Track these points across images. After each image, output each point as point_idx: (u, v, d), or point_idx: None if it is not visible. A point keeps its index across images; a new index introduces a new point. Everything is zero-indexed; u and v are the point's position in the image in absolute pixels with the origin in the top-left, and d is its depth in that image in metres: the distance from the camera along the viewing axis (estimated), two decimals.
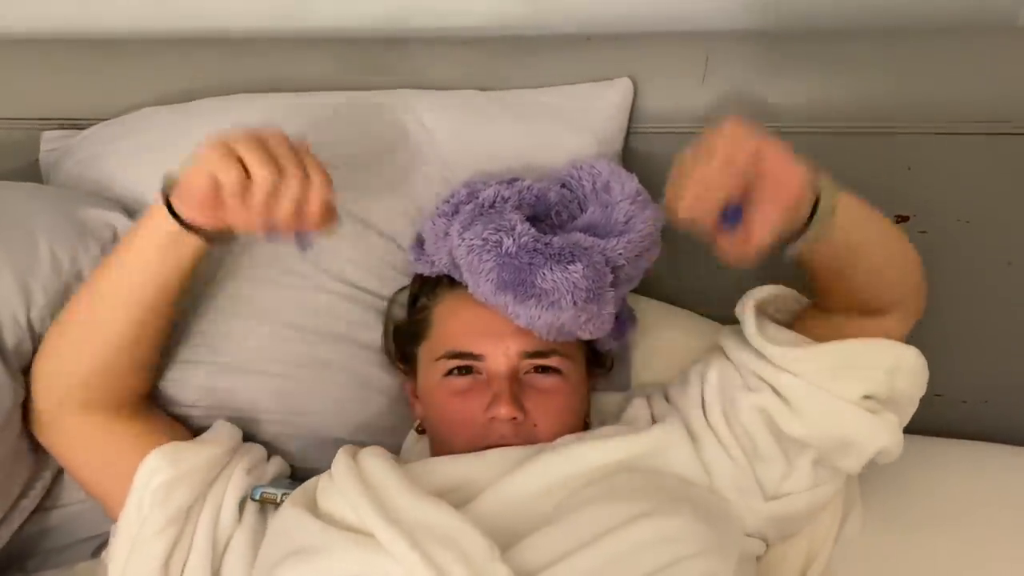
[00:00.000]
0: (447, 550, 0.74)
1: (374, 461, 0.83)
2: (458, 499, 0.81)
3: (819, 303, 0.93)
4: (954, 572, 0.98)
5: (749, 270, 0.95)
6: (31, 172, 1.17)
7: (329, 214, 0.81)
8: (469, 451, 0.86)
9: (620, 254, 0.87)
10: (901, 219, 1.07)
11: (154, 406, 0.98)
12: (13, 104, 1.20)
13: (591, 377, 0.96)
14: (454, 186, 0.97)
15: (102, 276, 0.90)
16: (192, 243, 0.85)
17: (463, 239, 0.86)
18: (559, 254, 0.84)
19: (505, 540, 0.76)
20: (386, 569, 0.75)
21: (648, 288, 1.04)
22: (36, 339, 0.94)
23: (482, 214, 0.87)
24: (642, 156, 1.08)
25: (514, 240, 0.84)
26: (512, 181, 0.92)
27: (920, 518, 1.03)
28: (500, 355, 0.87)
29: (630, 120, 1.07)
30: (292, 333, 1.01)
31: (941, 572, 0.98)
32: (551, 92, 1.06)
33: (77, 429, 0.91)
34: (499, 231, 0.84)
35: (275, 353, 1.00)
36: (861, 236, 0.84)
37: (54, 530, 1.01)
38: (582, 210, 0.92)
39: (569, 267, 0.83)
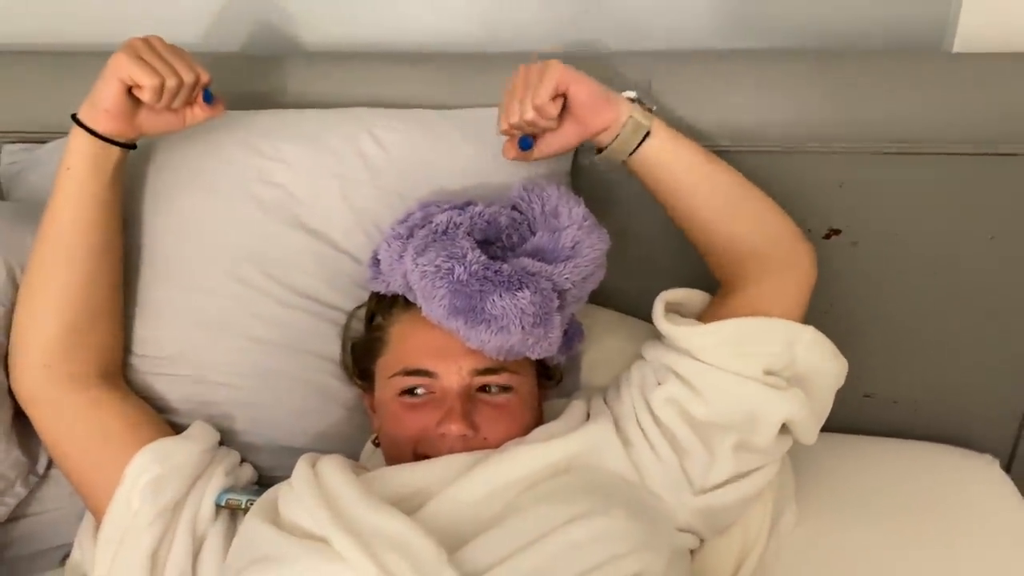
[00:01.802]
0: (398, 555, 0.78)
1: (332, 471, 0.88)
2: (410, 506, 0.85)
3: (713, 272, 1.00)
4: (884, 564, 1.04)
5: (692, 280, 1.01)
6: None
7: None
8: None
9: (567, 279, 0.92)
10: (834, 232, 1.13)
11: (137, 397, 1.03)
12: None
13: (541, 388, 1.00)
14: (409, 205, 1.00)
15: (45, 223, 0.97)
16: (114, 155, 0.96)
17: (417, 264, 0.90)
18: (508, 281, 0.88)
19: (453, 543, 0.80)
20: (341, 575, 0.79)
21: (596, 296, 1.08)
22: None
23: (436, 240, 0.91)
24: (591, 172, 1.12)
25: (465, 268, 0.88)
26: (465, 206, 0.95)
27: (852, 513, 1.09)
28: (452, 373, 0.92)
29: None
30: (254, 346, 1.04)
31: (872, 565, 1.04)
32: None
33: (71, 406, 0.96)
34: (451, 258, 0.88)
35: (238, 366, 1.04)
36: (685, 167, 0.96)
37: (22, 539, 1.04)
38: (532, 232, 0.96)
39: (517, 294, 0.87)
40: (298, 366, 1.05)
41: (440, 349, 0.92)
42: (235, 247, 1.05)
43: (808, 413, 0.94)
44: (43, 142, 1.17)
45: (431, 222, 0.93)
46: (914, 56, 1.11)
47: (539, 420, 0.98)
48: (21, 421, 1.00)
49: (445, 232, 0.92)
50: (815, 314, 0.97)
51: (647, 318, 1.13)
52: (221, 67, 1.01)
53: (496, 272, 0.88)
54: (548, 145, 0.97)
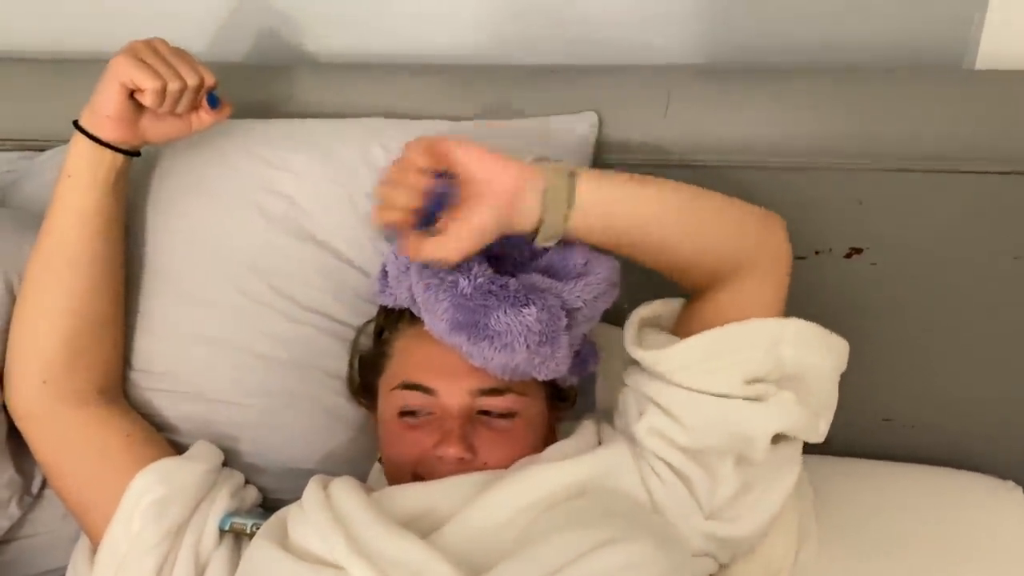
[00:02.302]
0: None
1: (344, 492, 0.85)
2: (423, 528, 0.82)
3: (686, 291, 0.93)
4: None
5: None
6: None
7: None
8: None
9: (578, 296, 0.88)
10: (855, 251, 1.10)
11: (137, 414, 1.00)
12: None
13: (554, 410, 0.97)
14: None
15: (44, 232, 0.95)
16: (116, 163, 0.94)
17: (421, 276, 0.87)
18: (514, 297, 0.84)
19: (472, 571, 0.77)
20: None
21: (611, 314, 1.05)
22: None
23: None
24: None
25: (470, 281, 0.85)
26: None
27: (871, 539, 1.07)
28: (454, 392, 0.88)
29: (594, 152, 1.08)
30: (258, 362, 1.02)
31: None
32: (517, 124, 1.07)
33: (69, 423, 0.93)
34: (456, 271, 0.85)
35: (241, 383, 1.02)
36: (628, 211, 0.86)
37: (12, 563, 1.01)
38: (544, 248, 0.93)
39: (523, 310, 0.84)
40: (305, 384, 1.02)
41: (442, 366, 0.89)
42: (239, 258, 1.03)
43: (799, 416, 0.87)
44: (41, 150, 1.16)
45: None
46: (936, 73, 1.09)
47: (549, 443, 0.93)
48: (15, 439, 0.98)
49: None
50: None
51: None
52: (228, 76, 1.00)
53: (502, 287, 0.85)
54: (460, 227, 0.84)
